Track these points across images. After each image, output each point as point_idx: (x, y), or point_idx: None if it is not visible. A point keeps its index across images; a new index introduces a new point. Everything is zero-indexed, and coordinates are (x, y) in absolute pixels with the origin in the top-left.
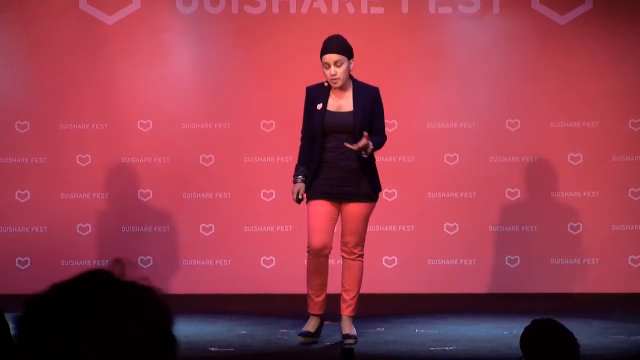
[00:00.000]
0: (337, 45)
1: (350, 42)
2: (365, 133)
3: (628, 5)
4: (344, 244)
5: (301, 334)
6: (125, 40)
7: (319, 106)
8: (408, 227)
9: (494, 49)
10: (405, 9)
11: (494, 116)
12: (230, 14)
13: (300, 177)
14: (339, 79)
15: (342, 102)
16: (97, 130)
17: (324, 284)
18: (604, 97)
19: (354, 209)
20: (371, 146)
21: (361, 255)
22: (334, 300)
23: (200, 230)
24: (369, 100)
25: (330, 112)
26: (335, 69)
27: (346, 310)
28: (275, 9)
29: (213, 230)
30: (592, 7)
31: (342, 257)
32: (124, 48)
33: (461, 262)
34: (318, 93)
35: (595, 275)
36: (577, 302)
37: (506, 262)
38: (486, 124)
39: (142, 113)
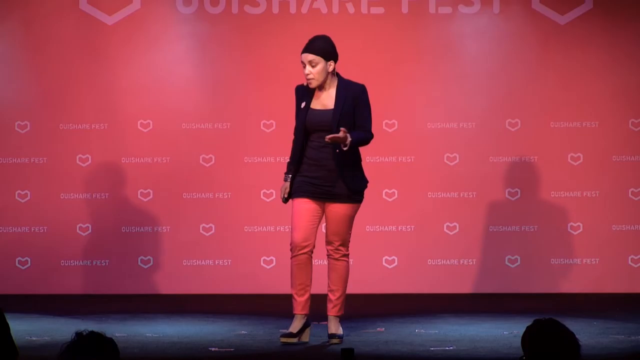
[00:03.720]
0: (315, 45)
1: (350, 42)
2: (343, 129)
3: (628, 5)
4: (328, 243)
5: (282, 335)
6: (125, 41)
7: (303, 104)
8: (408, 227)
9: (494, 49)
10: (405, 9)
11: (494, 116)
12: (230, 14)
13: (289, 175)
14: (313, 79)
15: (325, 101)
16: (97, 130)
17: (308, 283)
18: (604, 97)
19: (336, 209)
20: (349, 138)
21: (346, 255)
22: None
23: (200, 230)
24: (351, 98)
25: (312, 110)
26: (310, 68)
27: (332, 310)
28: (275, 9)
29: (213, 230)
30: (592, 7)
31: (327, 257)
32: (124, 48)
33: (461, 262)
34: (305, 91)
35: (595, 275)
36: (577, 302)
37: (506, 262)
38: (486, 124)
39: (142, 113)
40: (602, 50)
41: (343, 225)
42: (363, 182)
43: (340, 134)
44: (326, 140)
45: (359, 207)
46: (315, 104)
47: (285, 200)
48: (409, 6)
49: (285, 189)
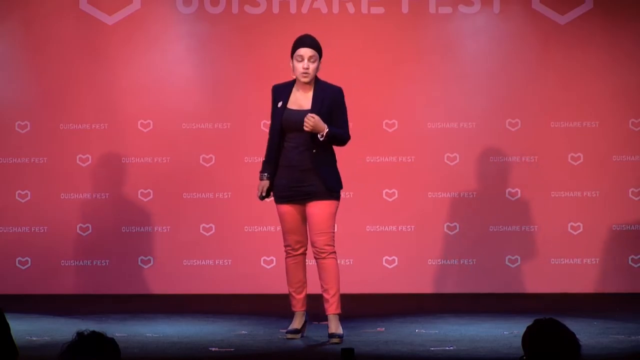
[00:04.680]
0: (313, 41)
1: (350, 42)
2: (314, 115)
3: (628, 5)
4: (312, 243)
5: (289, 332)
6: (125, 40)
7: (280, 104)
8: (408, 227)
9: (494, 49)
10: (405, 9)
11: (494, 116)
12: (230, 14)
13: (265, 174)
14: (309, 73)
15: (302, 101)
16: (98, 130)
17: (304, 281)
18: (604, 97)
19: (315, 208)
20: (326, 128)
21: (332, 253)
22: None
23: (201, 230)
24: (328, 100)
25: (289, 109)
26: (309, 63)
27: (330, 309)
28: (275, 9)
29: (213, 230)
30: (592, 7)
31: (315, 258)
32: (124, 48)
33: (461, 262)
34: (281, 91)
35: (595, 275)
36: (577, 302)
37: (506, 262)
38: (486, 124)
39: (142, 113)
40: (602, 50)
41: (324, 223)
42: (338, 182)
43: (316, 118)
44: (304, 123)
45: (337, 205)
46: (292, 104)
47: (262, 198)
48: (409, 6)
49: (263, 187)
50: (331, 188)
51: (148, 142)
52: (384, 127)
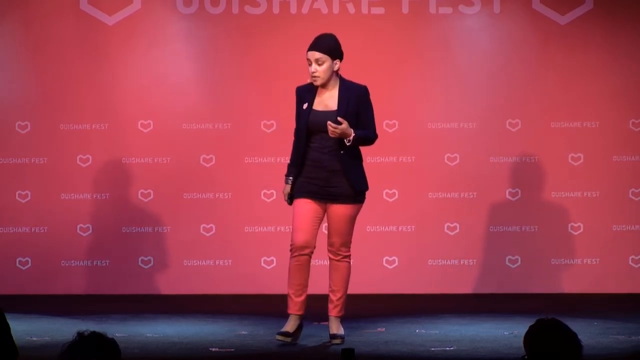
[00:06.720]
0: (322, 43)
1: (351, 42)
2: (341, 119)
3: (628, 5)
4: (330, 244)
5: (279, 334)
6: (125, 41)
7: (305, 105)
8: (409, 227)
9: (494, 49)
10: (405, 9)
11: (494, 116)
12: (230, 14)
13: (291, 177)
14: (318, 77)
15: (327, 101)
16: (98, 131)
17: (305, 284)
18: (604, 97)
19: (339, 210)
20: (352, 133)
21: (347, 256)
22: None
23: (201, 230)
24: (354, 99)
25: (315, 111)
26: (316, 66)
27: (333, 311)
28: (276, 9)
29: (213, 231)
30: (592, 7)
31: (329, 258)
32: (124, 48)
33: (461, 262)
34: (306, 92)
35: (595, 275)
36: (577, 302)
37: (506, 262)
38: (486, 124)
39: (142, 113)
40: (602, 50)
41: (345, 226)
42: (365, 183)
43: (344, 125)
44: (328, 129)
45: (360, 207)
46: (317, 105)
47: (291, 202)
48: (409, 6)
49: (287, 193)
50: (357, 191)
51: (148, 142)
52: (384, 127)
